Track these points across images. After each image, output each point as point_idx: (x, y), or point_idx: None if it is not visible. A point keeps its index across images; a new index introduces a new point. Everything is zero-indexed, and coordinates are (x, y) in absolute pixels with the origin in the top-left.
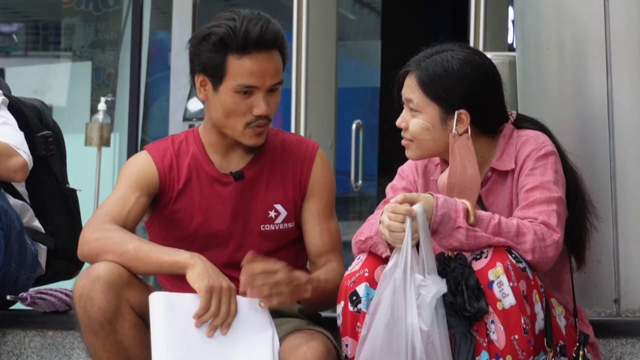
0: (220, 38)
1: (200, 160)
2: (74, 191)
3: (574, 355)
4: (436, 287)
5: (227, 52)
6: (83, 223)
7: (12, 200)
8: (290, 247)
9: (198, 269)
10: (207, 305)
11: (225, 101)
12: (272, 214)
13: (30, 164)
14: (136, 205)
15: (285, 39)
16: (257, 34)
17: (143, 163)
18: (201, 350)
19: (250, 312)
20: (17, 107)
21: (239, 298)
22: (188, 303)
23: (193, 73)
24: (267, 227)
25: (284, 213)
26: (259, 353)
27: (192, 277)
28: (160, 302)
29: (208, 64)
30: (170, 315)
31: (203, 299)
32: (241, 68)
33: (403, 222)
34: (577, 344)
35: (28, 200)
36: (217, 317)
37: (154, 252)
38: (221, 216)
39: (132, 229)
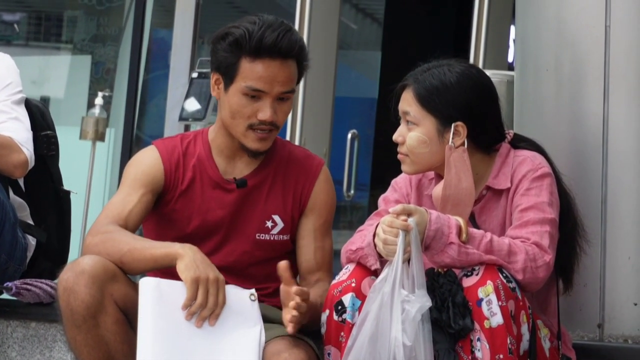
0: (236, 39)
1: (205, 164)
2: (68, 193)
3: None
4: (420, 302)
5: (240, 54)
6: (73, 224)
7: (11, 195)
8: (283, 258)
9: (187, 259)
10: (193, 296)
11: (232, 101)
12: (269, 224)
13: (32, 163)
14: (139, 204)
15: (305, 50)
16: (272, 40)
17: (149, 159)
18: (188, 338)
19: (240, 304)
20: (25, 105)
21: (230, 290)
22: (178, 291)
23: (211, 70)
24: (262, 236)
25: (280, 224)
26: (245, 347)
27: (180, 268)
28: (150, 288)
29: (222, 63)
30: (159, 301)
31: (189, 290)
32: (251, 71)
33: (397, 235)
34: None
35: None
36: (204, 308)
37: (147, 249)
38: (219, 221)
39: (134, 229)
